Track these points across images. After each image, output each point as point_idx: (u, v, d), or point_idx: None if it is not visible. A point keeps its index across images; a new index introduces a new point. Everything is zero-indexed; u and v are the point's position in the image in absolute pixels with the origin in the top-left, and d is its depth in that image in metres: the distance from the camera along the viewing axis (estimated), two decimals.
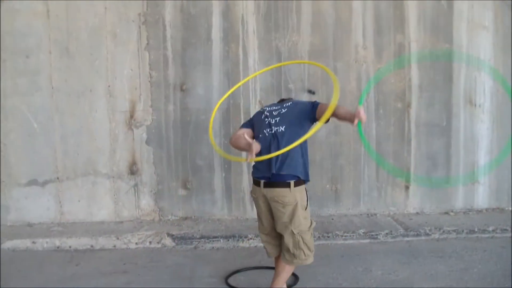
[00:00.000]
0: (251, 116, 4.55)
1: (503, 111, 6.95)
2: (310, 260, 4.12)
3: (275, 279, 4.21)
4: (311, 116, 4.06)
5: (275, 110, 4.20)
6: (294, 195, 3.99)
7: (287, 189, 3.98)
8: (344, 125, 6.64)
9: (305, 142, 3.97)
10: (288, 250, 4.07)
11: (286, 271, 4.17)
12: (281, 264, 4.19)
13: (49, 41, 6.44)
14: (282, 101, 4.46)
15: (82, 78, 6.50)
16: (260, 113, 4.31)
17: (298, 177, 4.03)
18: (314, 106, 4.08)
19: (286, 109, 4.16)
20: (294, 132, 4.00)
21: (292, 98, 4.57)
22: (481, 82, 6.90)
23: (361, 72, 6.70)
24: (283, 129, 4.05)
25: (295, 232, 4.02)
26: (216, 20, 6.51)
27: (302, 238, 4.04)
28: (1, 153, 6.56)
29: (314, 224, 4.18)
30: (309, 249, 4.08)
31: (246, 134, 4.06)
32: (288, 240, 4.06)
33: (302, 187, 4.09)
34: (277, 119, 4.12)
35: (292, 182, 3.99)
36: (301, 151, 4.05)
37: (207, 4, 6.49)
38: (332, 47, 6.64)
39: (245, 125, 4.39)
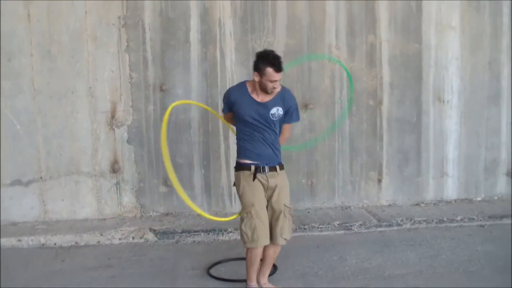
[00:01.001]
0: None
1: (470, 108, 7.18)
2: (247, 245, 4.30)
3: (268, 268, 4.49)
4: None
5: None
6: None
7: None
8: (319, 121, 6.87)
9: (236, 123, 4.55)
10: None
11: (246, 257, 4.45)
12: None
13: (30, 45, 6.49)
14: None
15: (64, 80, 6.56)
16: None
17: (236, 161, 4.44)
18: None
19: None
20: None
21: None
22: (449, 80, 7.12)
23: (335, 71, 6.86)
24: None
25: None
26: (194, 23, 6.61)
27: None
28: None
29: (247, 210, 4.29)
30: (240, 232, 4.35)
31: None
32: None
33: (236, 173, 4.44)
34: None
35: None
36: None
37: (185, 7, 6.59)
38: (306, 47, 6.79)
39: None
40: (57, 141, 6.67)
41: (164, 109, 6.62)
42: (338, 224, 6.31)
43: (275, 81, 4.17)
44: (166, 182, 6.74)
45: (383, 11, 6.93)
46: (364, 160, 7.08)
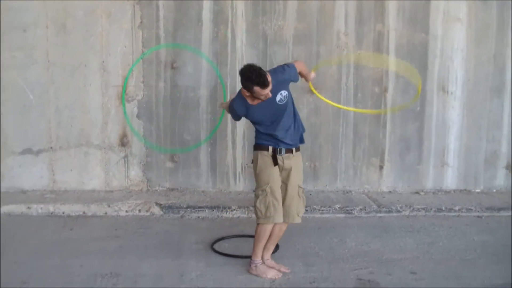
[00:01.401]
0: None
1: (473, 100, 7.22)
2: (260, 221, 4.46)
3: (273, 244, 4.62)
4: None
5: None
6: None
7: None
8: (325, 106, 6.91)
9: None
10: None
11: (257, 231, 4.54)
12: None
13: (46, 17, 6.58)
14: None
15: (78, 54, 6.66)
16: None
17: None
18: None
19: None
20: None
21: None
22: (453, 71, 7.15)
23: (342, 57, 6.93)
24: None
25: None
26: (207, 3, 6.68)
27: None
28: None
29: (263, 188, 4.41)
30: (254, 208, 4.46)
31: None
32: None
33: (255, 152, 4.57)
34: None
35: None
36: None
37: None
38: (315, 32, 6.85)
39: None
40: (68, 112, 6.78)
41: (174, 86, 6.77)
42: (339, 208, 6.43)
43: (264, 95, 4.23)
44: (173, 158, 6.86)
45: (392, 0, 6.97)
46: (367, 146, 7.14)
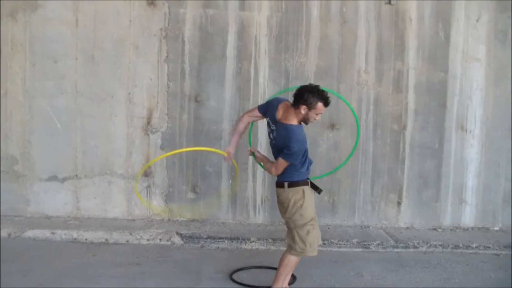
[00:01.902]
0: (268, 101, 4.82)
1: (491, 138, 7.29)
2: (307, 253, 4.51)
3: (278, 268, 4.68)
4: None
5: (272, 126, 4.57)
6: (287, 194, 4.49)
7: (282, 189, 4.54)
8: (344, 142, 7.07)
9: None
10: (288, 241, 4.60)
11: (284, 263, 4.59)
12: (284, 254, 4.64)
13: (76, 49, 6.85)
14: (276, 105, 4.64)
15: (105, 85, 6.90)
16: (270, 110, 4.62)
17: (289, 180, 4.52)
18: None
19: (276, 136, 4.52)
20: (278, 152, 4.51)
21: (285, 102, 4.67)
22: (472, 109, 7.25)
23: (362, 94, 7.07)
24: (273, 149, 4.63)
25: (291, 227, 4.51)
26: (231, 39, 6.91)
27: (297, 232, 4.47)
28: (26, 150, 6.93)
29: (311, 222, 4.52)
30: (304, 243, 4.47)
31: (237, 128, 4.82)
32: (288, 232, 4.61)
33: (298, 188, 4.53)
34: (272, 137, 4.59)
35: (286, 183, 4.51)
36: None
37: (224, 23, 6.90)
38: (336, 69, 7.02)
39: (259, 108, 4.76)
40: (94, 141, 6.99)
41: (197, 119, 6.96)
42: (356, 242, 6.49)
43: (319, 115, 4.47)
44: (195, 189, 7.02)
45: (412, 39, 7.12)
46: (385, 182, 7.22)
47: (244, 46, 6.93)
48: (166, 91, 6.91)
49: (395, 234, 6.83)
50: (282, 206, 4.59)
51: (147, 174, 6.99)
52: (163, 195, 7.02)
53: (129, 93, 6.89)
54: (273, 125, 4.51)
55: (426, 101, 7.21)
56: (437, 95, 7.23)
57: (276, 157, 4.54)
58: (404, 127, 7.17)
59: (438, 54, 7.19)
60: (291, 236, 4.55)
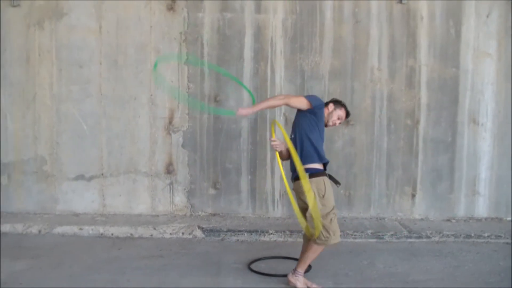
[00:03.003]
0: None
1: (503, 131, 7.55)
2: (331, 241, 4.78)
3: (301, 255, 5.01)
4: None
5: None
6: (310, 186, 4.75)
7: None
8: (359, 137, 7.40)
9: (313, 133, 4.83)
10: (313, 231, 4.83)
11: (312, 250, 4.86)
12: (308, 243, 4.93)
13: (100, 54, 7.27)
14: None
15: (128, 88, 7.31)
16: None
17: (309, 172, 4.79)
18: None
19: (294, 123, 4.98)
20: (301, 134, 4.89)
21: None
22: (484, 104, 7.50)
23: (375, 91, 7.37)
24: (293, 136, 4.96)
25: (314, 217, 4.72)
26: (248, 41, 7.26)
27: (321, 222, 4.72)
28: (54, 151, 7.36)
29: (333, 210, 4.81)
30: (327, 231, 4.74)
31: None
32: (311, 222, 4.80)
33: (319, 178, 4.80)
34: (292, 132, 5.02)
35: (307, 175, 4.74)
36: (310, 143, 4.84)
37: (241, 26, 7.26)
38: (350, 68, 7.33)
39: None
40: (118, 142, 7.39)
41: (217, 117, 7.31)
42: (371, 233, 6.78)
43: (340, 121, 5.06)
44: (215, 185, 7.40)
45: (423, 36, 7.40)
46: (400, 176, 7.50)
47: (261, 47, 7.27)
48: (187, 92, 7.28)
49: (409, 225, 7.11)
50: (302, 198, 4.88)
51: (169, 171, 7.37)
52: (185, 192, 7.41)
53: (151, 95, 7.28)
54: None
55: (439, 96, 7.47)
56: (449, 91, 7.49)
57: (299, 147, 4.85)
58: (418, 122, 7.44)
59: (449, 51, 7.45)
60: (314, 226, 4.78)
